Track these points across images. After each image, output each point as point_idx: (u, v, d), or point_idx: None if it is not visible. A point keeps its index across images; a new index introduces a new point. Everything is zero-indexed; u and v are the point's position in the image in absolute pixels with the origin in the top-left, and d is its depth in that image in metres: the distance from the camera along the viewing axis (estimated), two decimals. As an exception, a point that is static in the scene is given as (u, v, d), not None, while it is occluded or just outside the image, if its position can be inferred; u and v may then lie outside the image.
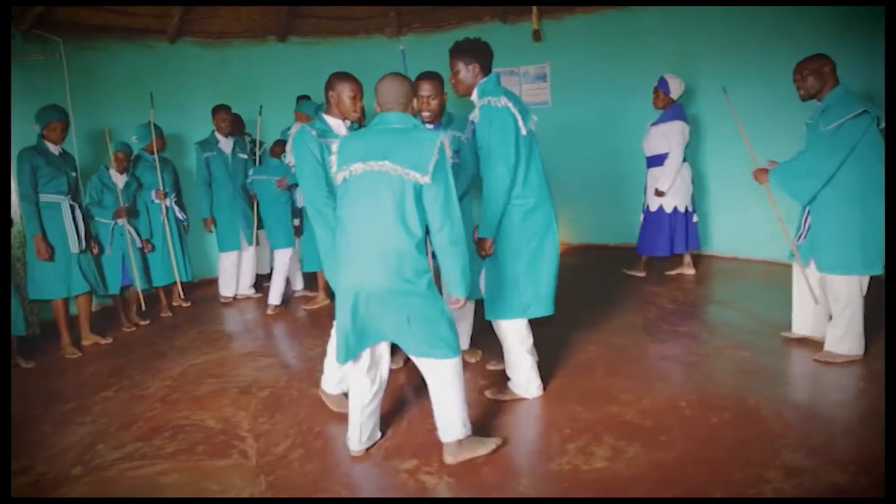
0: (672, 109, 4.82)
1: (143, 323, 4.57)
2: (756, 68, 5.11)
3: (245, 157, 5.21)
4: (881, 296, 3.18)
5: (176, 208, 4.89)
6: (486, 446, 2.50)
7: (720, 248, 5.75)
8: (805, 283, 3.33)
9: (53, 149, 3.99)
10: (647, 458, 2.41)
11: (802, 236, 3.29)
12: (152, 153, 4.69)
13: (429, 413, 2.86)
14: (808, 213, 3.23)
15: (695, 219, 5.01)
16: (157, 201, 4.73)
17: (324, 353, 3.88)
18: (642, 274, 5.10)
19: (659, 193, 4.85)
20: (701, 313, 4.14)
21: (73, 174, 4.09)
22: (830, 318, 3.25)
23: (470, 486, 2.30)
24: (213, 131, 5.05)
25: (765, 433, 2.54)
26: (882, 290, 3.21)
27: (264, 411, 3.03)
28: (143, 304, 4.56)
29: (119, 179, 4.40)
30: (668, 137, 4.77)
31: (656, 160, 4.89)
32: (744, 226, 5.40)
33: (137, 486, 2.43)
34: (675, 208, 4.89)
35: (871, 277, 3.16)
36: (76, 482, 2.47)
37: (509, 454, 2.51)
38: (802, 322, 3.47)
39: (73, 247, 3.93)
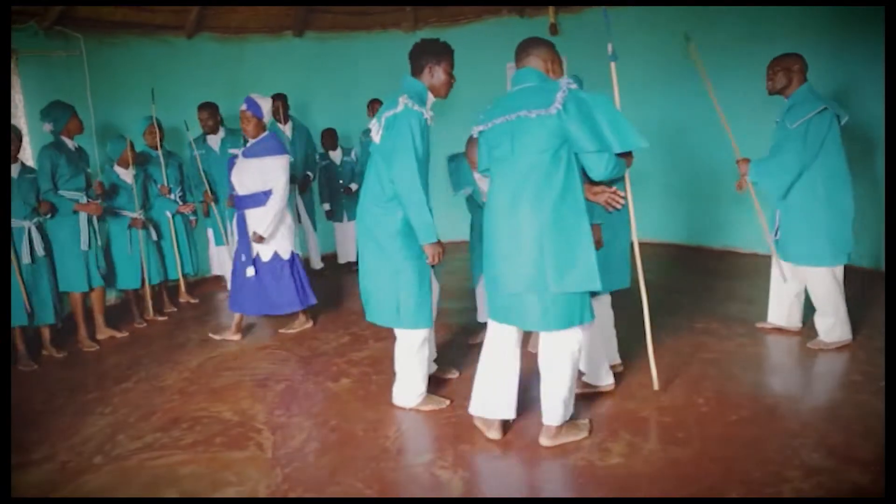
0: (269, 139, 3.92)
1: (160, 318, 4.61)
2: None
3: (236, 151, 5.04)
4: (854, 282, 3.35)
5: (180, 203, 4.84)
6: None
7: (740, 245, 5.68)
8: (777, 271, 3.50)
9: (71, 144, 4.00)
10: (663, 455, 2.40)
11: (778, 231, 3.43)
12: (155, 148, 4.70)
13: (445, 407, 2.88)
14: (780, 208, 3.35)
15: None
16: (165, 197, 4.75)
17: (338, 347, 3.91)
18: (236, 337, 4.05)
19: (259, 239, 3.90)
20: (719, 310, 4.10)
21: (89, 170, 4.13)
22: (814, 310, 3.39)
23: (484, 481, 2.30)
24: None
25: (782, 431, 2.51)
26: (858, 278, 3.44)
27: (280, 404, 3.06)
28: (148, 302, 4.56)
29: (127, 175, 4.40)
30: (267, 173, 3.86)
31: (253, 200, 3.92)
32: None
33: (156, 475, 2.46)
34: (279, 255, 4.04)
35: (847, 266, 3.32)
36: (97, 471, 2.52)
37: (525, 449, 2.51)
38: (777, 312, 3.59)
39: (84, 244, 3.95)
